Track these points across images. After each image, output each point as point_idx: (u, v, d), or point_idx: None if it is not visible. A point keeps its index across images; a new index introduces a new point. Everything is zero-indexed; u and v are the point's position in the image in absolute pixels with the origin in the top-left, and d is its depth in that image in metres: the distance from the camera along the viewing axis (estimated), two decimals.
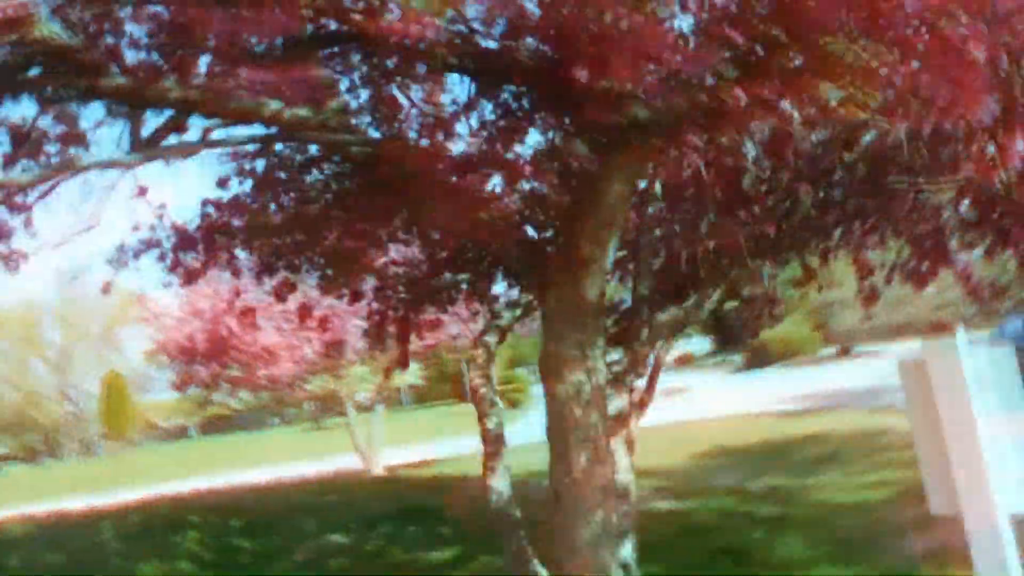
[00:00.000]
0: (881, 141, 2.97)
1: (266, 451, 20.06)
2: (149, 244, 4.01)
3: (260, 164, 3.49)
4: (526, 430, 17.69)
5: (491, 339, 4.24)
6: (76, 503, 11.95)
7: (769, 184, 3.53)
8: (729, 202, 3.37)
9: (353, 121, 2.78)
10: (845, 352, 22.21)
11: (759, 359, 23.36)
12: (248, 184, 3.50)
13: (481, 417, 3.92)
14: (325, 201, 3.30)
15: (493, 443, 3.86)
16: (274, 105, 2.63)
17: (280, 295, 4.82)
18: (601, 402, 2.89)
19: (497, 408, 3.98)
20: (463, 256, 3.36)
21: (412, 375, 17.58)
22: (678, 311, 3.81)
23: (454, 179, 2.39)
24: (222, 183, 3.57)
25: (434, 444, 15.52)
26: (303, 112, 2.64)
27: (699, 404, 16.34)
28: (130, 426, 27.30)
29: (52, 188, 2.83)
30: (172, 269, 4.18)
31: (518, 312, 4.41)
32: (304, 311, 5.64)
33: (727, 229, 3.40)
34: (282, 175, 3.37)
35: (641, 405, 3.90)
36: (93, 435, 28.19)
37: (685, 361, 26.96)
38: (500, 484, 3.79)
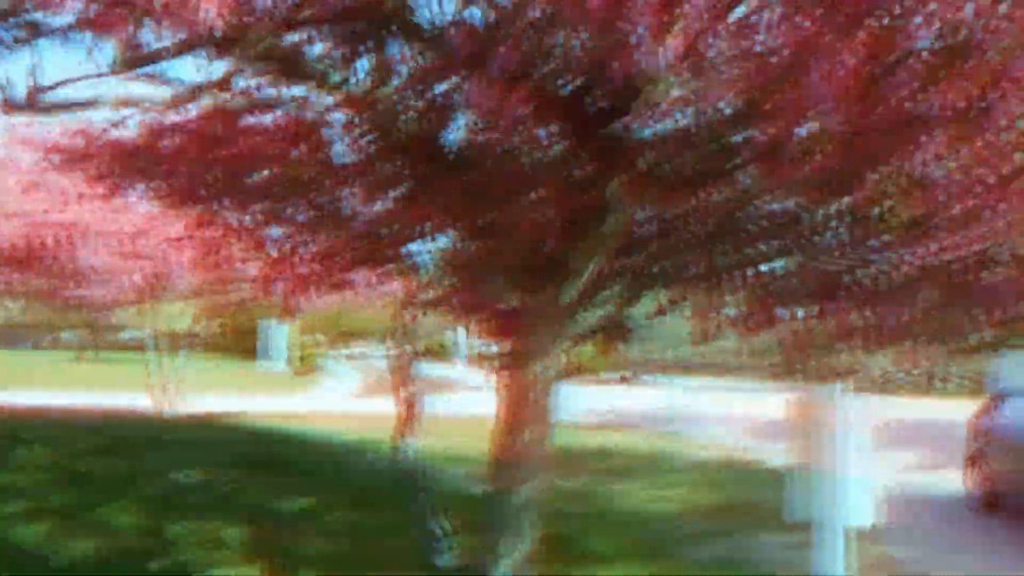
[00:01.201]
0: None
1: (34, 373, 18.61)
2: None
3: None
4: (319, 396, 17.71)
5: (418, 311, 4.65)
6: None
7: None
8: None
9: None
10: (624, 379, 24.13)
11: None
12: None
13: (402, 383, 4.33)
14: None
15: (409, 408, 4.28)
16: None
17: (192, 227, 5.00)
18: (551, 390, 3.44)
19: (415, 377, 4.40)
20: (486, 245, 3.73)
21: (185, 320, 17.15)
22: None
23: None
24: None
25: (227, 397, 15.29)
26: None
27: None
28: None
29: None
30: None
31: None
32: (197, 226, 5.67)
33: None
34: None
35: None
36: None
37: (479, 360, 27.95)
38: (411, 445, 4.22)
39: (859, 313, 5.17)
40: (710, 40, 1.86)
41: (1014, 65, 1.77)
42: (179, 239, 10.34)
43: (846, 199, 2.86)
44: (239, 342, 24.96)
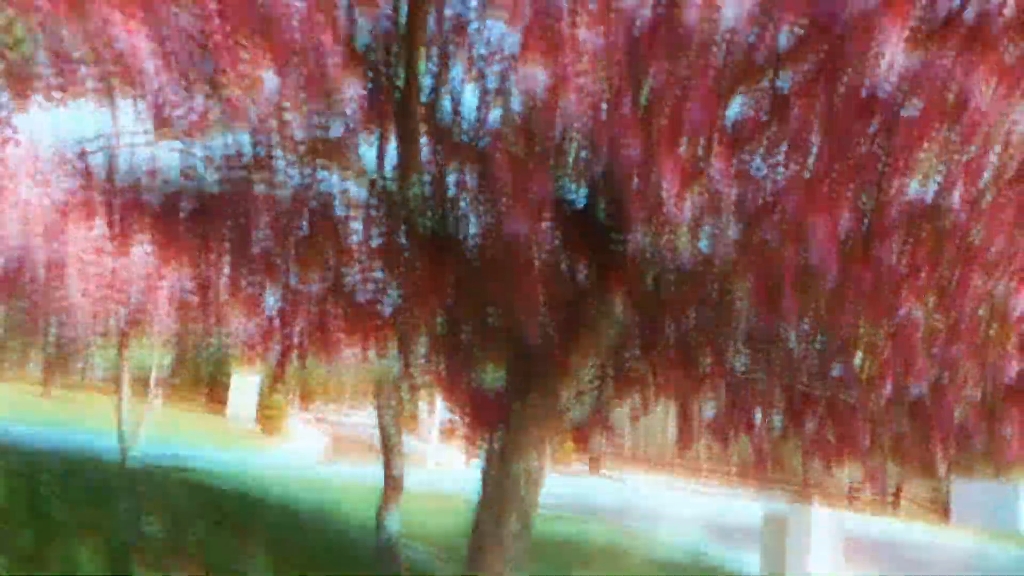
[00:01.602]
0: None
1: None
2: None
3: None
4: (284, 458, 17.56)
5: (406, 389, 4.81)
6: None
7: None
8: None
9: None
10: (593, 468, 24.14)
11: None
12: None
13: (387, 462, 4.45)
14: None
15: (394, 487, 4.40)
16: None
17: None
18: (540, 480, 3.59)
19: (401, 455, 4.53)
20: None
21: (161, 365, 17.12)
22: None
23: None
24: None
25: (188, 447, 15.17)
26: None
27: (462, 480, 17.20)
28: None
29: None
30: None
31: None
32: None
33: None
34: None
35: None
36: None
37: (450, 434, 27.86)
38: (392, 526, 4.32)
39: (828, 429, 5.38)
40: (723, 196, 2.10)
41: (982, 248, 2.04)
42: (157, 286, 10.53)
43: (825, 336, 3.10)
44: (209, 393, 24.77)
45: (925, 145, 1.92)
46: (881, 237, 2.12)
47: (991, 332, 2.21)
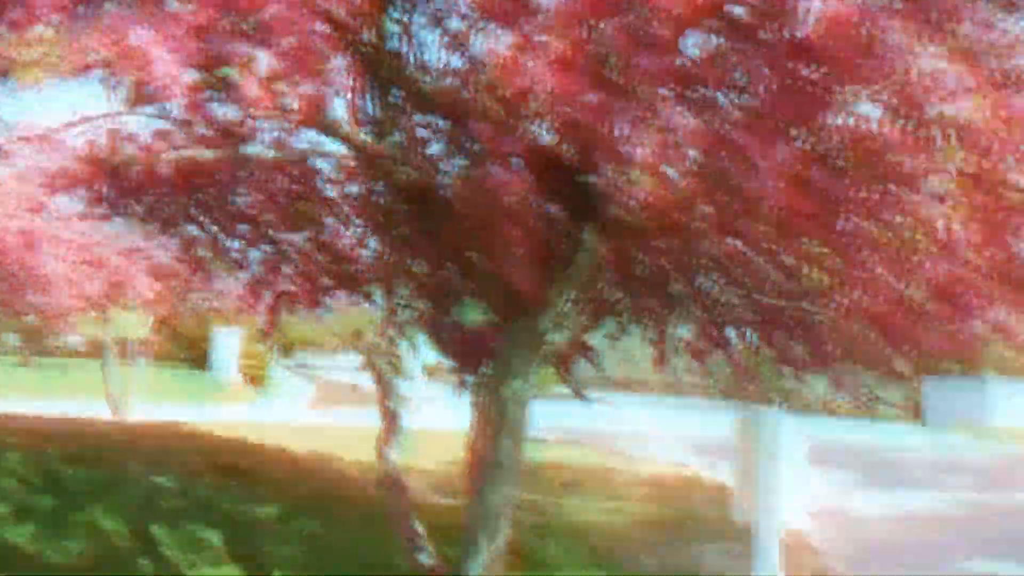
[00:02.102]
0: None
1: None
2: None
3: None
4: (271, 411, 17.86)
5: (393, 331, 5.09)
6: None
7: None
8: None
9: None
10: (579, 395, 24.71)
11: None
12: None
13: (384, 396, 4.75)
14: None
15: (391, 420, 4.70)
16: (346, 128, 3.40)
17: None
18: (526, 407, 3.91)
19: (396, 390, 4.83)
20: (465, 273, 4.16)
21: (142, 329, 17.35)
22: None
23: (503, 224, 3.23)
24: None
25: (181, 407, 15.44)
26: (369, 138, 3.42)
27: (447, 416, 17.67)
28: None
29: None
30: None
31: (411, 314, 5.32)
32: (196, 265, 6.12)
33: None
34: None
35: None
36: None
37: (433, 372, 28.30)
38: (393, 456, 4.64)
39: (796, 341, 5.72)
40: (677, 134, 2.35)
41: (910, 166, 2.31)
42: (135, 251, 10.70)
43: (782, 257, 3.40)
44: (190, 351, 24.90)
45: (849, 81, 2.18)
46: (820, 164, 2.38)
47: (917, 241, 2.50)
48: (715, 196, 2.63)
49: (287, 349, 29.66)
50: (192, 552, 5.28)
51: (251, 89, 2.50)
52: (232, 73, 2.63)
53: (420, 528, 4.52)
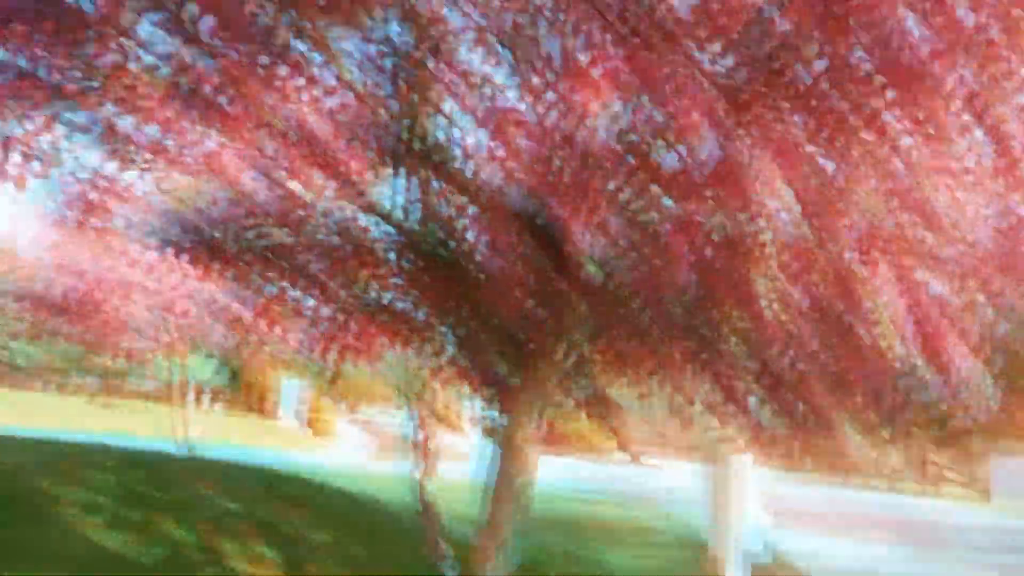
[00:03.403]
0: None
1: (59, 413, 20.12)
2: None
3: None
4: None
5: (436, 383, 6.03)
6: None
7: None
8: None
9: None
10: (636, 459, 25.19)
11: (553, 444, 26.15)
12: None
13: (425, 440, 5.69)
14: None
15: (429, 459, 5.64)
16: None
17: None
18: (531, 453, 4.80)
19: (435, 433, 5.76)
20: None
21: (213, 375, 18.64)
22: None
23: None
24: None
25: (242, 448, 16.60)
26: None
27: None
28: None
29: None
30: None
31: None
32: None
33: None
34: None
35: None
36: None
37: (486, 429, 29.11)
38: (431, 487, 5.55)
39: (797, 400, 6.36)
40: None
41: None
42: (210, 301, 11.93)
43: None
44: (257, 399, 26.24)
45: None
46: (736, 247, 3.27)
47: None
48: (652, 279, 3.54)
49: (350, 402, 30.89)
50: (251, 564, 6.24)
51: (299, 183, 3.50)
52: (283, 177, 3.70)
53: (445, 548, 5.38)
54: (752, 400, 6.89)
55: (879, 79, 3.49)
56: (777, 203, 3.05)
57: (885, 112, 3.45)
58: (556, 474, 19.82)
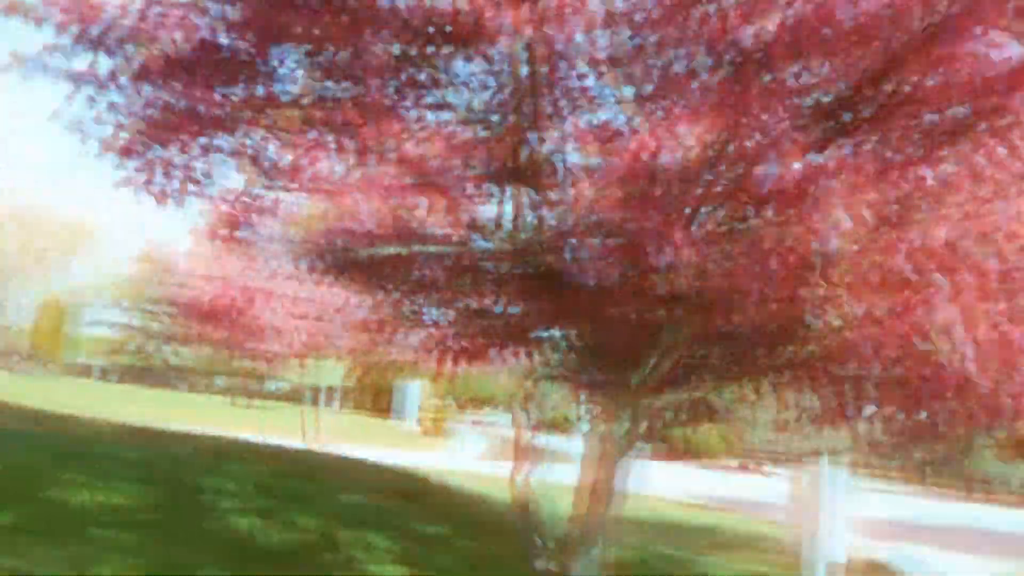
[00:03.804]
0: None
1: (205, 413, 21.62)
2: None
3: None
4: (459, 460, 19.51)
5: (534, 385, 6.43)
6: None
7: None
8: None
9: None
10: (745, 467, 25.02)
11: (666, 452, 26.22)
12: None
13: (532, 439, 6.09)
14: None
15: (527, 456, 6.02)
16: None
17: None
18: (622, 456, 5.12)
19: (530, 430, 6.14)
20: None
21: (337, 378, 19.59)
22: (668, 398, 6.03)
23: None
24: None
25: (362, 447, 17.43)
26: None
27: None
28: (60, 352, 28.40)
29: None
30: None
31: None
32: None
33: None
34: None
35: None
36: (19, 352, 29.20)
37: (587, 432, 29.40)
38: (534, 486, 5.93)
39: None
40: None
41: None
42: (336, 309, 12.67)
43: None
44: (376, 400, 27.31)
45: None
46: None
47: None
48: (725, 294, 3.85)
49: (464, 404, 31.73)
50: (366, 552, 6.77)
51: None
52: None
53: (540, 540, 5.74)
54: (862, 409, 7.01)
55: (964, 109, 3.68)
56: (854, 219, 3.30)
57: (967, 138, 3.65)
58: (664, 480, 20.04)
